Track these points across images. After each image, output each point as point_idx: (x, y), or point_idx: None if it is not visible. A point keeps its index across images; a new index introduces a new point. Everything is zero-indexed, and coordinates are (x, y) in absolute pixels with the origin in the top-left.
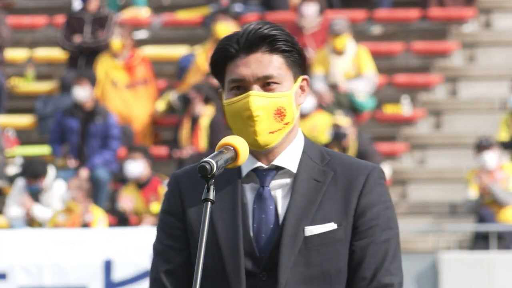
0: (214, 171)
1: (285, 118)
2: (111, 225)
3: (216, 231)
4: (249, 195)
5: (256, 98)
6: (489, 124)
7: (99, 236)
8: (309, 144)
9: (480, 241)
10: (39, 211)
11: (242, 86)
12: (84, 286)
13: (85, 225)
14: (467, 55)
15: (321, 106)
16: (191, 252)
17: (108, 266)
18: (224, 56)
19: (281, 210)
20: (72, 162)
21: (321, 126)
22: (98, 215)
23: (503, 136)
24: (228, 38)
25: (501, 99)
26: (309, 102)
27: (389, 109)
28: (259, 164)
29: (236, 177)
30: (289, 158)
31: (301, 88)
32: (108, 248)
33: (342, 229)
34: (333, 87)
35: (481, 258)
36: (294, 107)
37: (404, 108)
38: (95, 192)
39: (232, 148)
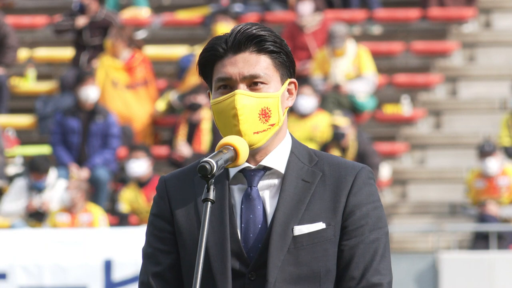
0: (214, 171)
1: (270, 119)
2: (111, 225)
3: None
4: (237, 196)
5: (242, 97)
6: (489, 124)
7: (99, 236)
8: (297, 145)
9: (480, 241)
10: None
11: (228, 85)
12: (84, 286)
13: (85, 225)
14: (467, 55)
15: (321, 105)
16: (180, 254)
17: (108, 266)
18: (213, 56)
19: (269, 210)
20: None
21: (322, 126)
22: (97, 215)
23: (506, 141)
24: (217, 38)
25: (501, 99)
26: (310, 102)
27: (389, 109)
28: (246, 164)
29: (224, 178)
30: (277, 159)
31: (289, 91)
32: (108, 248)
33: (331, 228)
34: (335, 87)
35: (481, 258)
36: (280, 109)
37: (404, 108)
38: (95, 192)
39: (232, 148)
